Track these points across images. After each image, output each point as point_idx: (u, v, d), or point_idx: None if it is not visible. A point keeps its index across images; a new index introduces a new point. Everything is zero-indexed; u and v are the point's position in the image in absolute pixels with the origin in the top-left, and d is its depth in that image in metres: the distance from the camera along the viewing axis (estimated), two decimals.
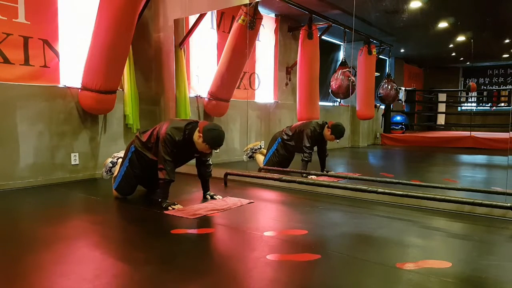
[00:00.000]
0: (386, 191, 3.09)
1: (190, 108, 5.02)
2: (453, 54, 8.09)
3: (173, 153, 2.90)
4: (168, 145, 2.87)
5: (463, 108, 8.46)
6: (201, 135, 2.81)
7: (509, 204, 2.62)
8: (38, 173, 3.82)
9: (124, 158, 3.17)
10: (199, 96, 5.33)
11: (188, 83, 4.96)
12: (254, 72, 6.18)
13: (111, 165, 3.52)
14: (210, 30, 5.44)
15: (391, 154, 7.51)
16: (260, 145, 4.88)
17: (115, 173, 3.29)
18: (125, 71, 4.34)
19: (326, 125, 4.18)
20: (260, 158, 4.71)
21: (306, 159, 4.18)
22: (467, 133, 7.35)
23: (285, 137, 4.42)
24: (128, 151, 3.12)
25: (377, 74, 6.94)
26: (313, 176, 4.03)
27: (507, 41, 6.94)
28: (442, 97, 8.85)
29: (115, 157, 3.57)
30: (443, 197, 2.87)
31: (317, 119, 5.76)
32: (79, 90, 4.03)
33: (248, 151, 4.88)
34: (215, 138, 2.83)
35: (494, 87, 7.90)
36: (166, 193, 2.96)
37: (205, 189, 3.27)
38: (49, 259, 1.93)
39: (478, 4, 5.43)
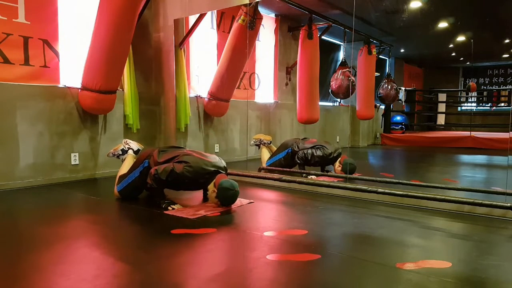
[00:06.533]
0: (386, 191, 3.09)
1: (190, 108, 5.01)
2: (453, 54, 8.09)
3: (171, 182, 2.86)
4: (173, 176, 2.80)
5: (463, 108, 8.45)
6: (215, 190, 2.81)
7: (509, 204, 2.63)
8: (38, 173, 3.82)
9: (134, 167, 3.12)
10: (199, 96, 5.33)
11: (188, 83, 4.96)
12: (254, 72, 6.18)
13: (121, 152, 3.51)
14: (210, 30, 5.44)
15: (391, 154, 7.50)
16: (270, 141, 4.86)
17: (122, 172, 3.25)
18: (125, 71, 4.34)
19: (339, 159, 4.15)
20: (265, 155, 4.67)
21: (298, 161, 4.22)
22: (467, 133, 7.35)
23: (297, 150, 4.30)
24: (141, 164, 3.06)
25: (377, 74, 6.93)
26: (313, 176, 4.04)
27: (507, 41, 6.93)
28: (442, 97, 8.84)
29: (127, 143, 3.54)
30: (443, 197, 2.87)
31: (317, 119, 5.76)
32: (79, 90, 4.03)
33: (257, 141, 4.86)
34: (229, 199, 2.86)
35: (494, 87, 7.89)
36: (161, 195, 2.95)
37: (206, 189, 3.26)
38: (49, 259, 1.93)
39: (478, 4, 5.43)
